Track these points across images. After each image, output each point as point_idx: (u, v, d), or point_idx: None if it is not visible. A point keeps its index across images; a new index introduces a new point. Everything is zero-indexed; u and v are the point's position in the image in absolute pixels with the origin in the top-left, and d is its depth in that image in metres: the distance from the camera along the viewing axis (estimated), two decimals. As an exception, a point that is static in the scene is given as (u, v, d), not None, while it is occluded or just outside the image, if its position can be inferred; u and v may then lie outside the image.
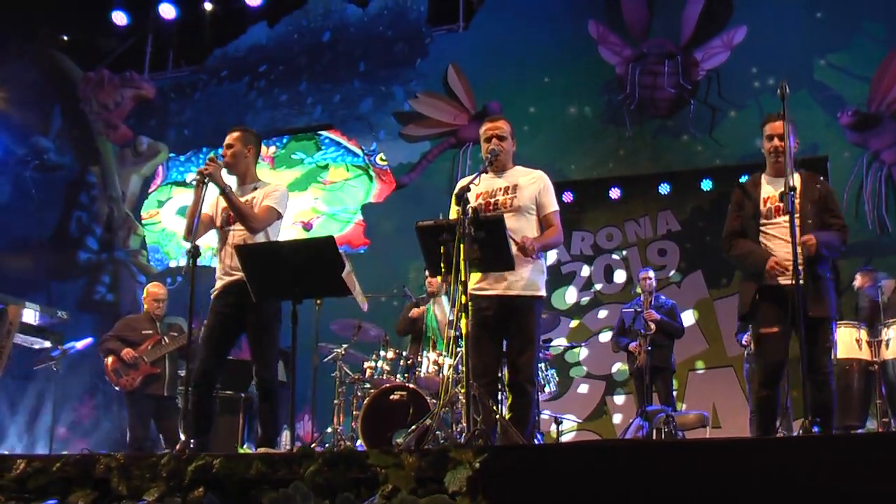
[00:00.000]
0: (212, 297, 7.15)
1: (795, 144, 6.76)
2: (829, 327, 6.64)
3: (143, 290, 10.90)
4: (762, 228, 6.68)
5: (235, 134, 7.41)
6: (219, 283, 7.15)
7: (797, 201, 6.50)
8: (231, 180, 7.32)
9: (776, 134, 6.68)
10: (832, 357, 8.55)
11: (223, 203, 7.17)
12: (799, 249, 6.21)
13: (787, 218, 6.38)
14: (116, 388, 10.28)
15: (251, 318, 7.00)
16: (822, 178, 6.80)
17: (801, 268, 6.14)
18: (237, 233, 7.10)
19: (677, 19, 14.12)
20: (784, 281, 6.40)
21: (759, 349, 6.77)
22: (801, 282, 6.14)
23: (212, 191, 7.06)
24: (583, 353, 13.65)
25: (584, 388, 13.67)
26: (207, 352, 7.06)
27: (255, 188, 7.31)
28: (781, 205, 6.55)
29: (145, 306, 10.56)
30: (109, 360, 10.05)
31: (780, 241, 6.53)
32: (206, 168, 6.96)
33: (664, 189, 13.92)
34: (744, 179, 7.25)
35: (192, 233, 6.98)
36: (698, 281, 13.50)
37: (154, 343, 10.12)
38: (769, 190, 6.72)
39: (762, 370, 6.72)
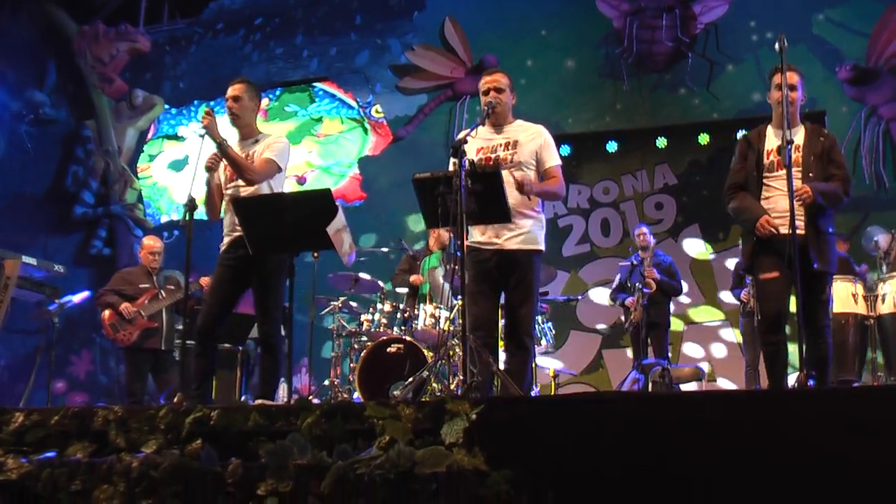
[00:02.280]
0: (220, 250, 7.12)
1: (803, 97, 6.76)
2: (827, 281, 6.65)
3: (140, 244, 10.88)
4: (764, 181, 6.66)
5: (241, 85, 7.30)
6: (226, 239, 7.11)
7: (799, 155, 6.51)
8: (233, 133, 7.28)
9: (789, 83, 6.64)
10: (829, 311, 8.62)
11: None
12: (796, 202, 6.22)
13: (793, 170, 6.39)
14: (116, 342, 10.27)
15: (258, 273, 6.97)
16: (826, 130, 6.77)
17: (799, 221, 6.16)
18: (242, 188, 7.05)
19: (676, -28, 14.05)
20: (785, 231, 6.39)
21: (761, 296, 6.78)
22: (802, 233, 6.18)
23: (209, 145, 7.04)
24: (579, 306, 13.67)
25: (580, 341, 13.70)
26: (213, 303, 7.04)
27: (257, 141, 7.24)
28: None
29: (141, 260, 10.53)
30: (106, 314, 10.03)
31: (781, 193, 6.51)
32: (202, 121, 6.94)
33: (661, 143, 13.88)
34: (744, 132, 7.24)
35: (213, 210, 7.17)
36: (695, 234, 13.50)
37: (151, 297, 10.10)
38: (774, 142, 6.69)
39: (764, 317, 6.70)
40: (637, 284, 10.45)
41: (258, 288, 7.04)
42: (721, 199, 6.99)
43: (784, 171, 6.45)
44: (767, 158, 6.67)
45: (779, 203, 6.51)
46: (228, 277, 7.03)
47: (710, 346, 13.08)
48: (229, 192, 7.06)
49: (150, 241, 10.58)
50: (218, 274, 7.09)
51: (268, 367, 7.08)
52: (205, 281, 9.68)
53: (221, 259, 7.08)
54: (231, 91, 7.25)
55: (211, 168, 7.05)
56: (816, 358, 6.37)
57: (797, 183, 6.41)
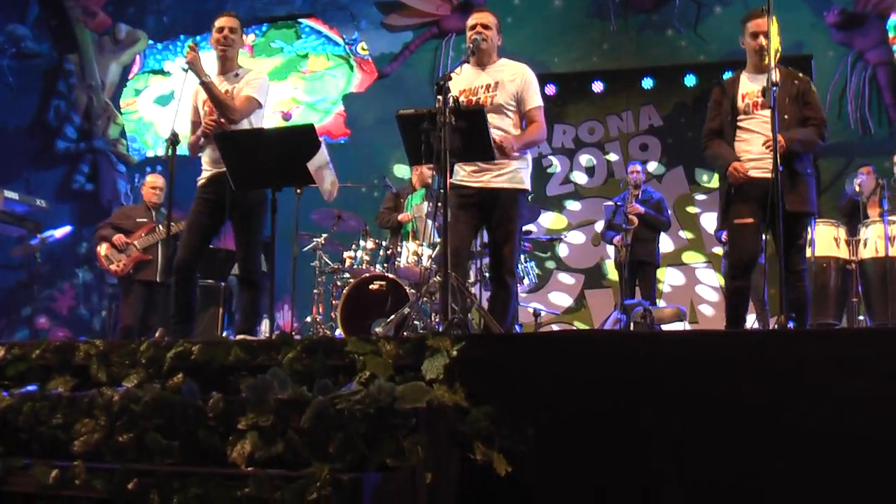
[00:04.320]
0: (198, 185, 7.12)
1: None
2: (805, 223, 6.70)
3: (146, 181, 10.82)
4: (739, 124, 6.74)
5: (234, 19, 7.33)
6: (205, 174, 7.13)
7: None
8: (213, 66, 7.27)
9: (760, 31, 6.70)
10: (811, 255, 8.66)
11: (204, 95, 7.11)
12: (767, 148, 6.28)
13: (765, 113, 6.48)
14: (110, 273, 10.29)
15: (237, 208, 6.98)
16: (801, 73, 6.79)
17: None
18: (223, 123, 7.03)
19: (666, -89, 13.94)
20: (760, 174, 6.44)
21: (732, 240, 6.88)
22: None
23: (193, 79, 7.02)
24: (562, 246, 13.71)
25: (562, 281, 13.74)
26: (191, 238, 7.04)
27: (237, 76, 7.25)
28: (760, 100, 6.63)
29: (143, 195, 10.52)
30: (103, 246, 10.05)
31: (757, 135, 6.61)
32: (187, 57, 6.92)
33: (647, 84, 13.85)
34: (727, 76, 7.27)
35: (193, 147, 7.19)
36: (679, 176, 13.52)
37: (148, 230, 10.10)
38: (748, 86, 6.78)
39: (733, 261, 6.84)
40: (622, 224, 10.45)
41: (238, 223, 7.07)
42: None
43: (760, 113, 6.61)
44: (742, 101, 6.75)
45: (754, 146, 6.58)
46: (207, 212, 7.04)
47: (694, 287, 13.14)
48: (210, 127, 7.04)
49: (153, 178, 10.58)
50: (196, 209, 7.09)
51: (248, 301, 7.11)
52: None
53: (200, 193, 7.09)
54: (227, 22, 7.25)
55: (189, 64, 6.93)
56: (794, 300, 6.41)
57: (766, 129, 6.46)
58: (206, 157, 7.12)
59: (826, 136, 6.74)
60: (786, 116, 6.48)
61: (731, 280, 6.79)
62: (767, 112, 6.45)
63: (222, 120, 6.97)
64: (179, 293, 7.03)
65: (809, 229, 7.23)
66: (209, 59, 7.18)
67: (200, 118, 7.18)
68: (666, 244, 12.55)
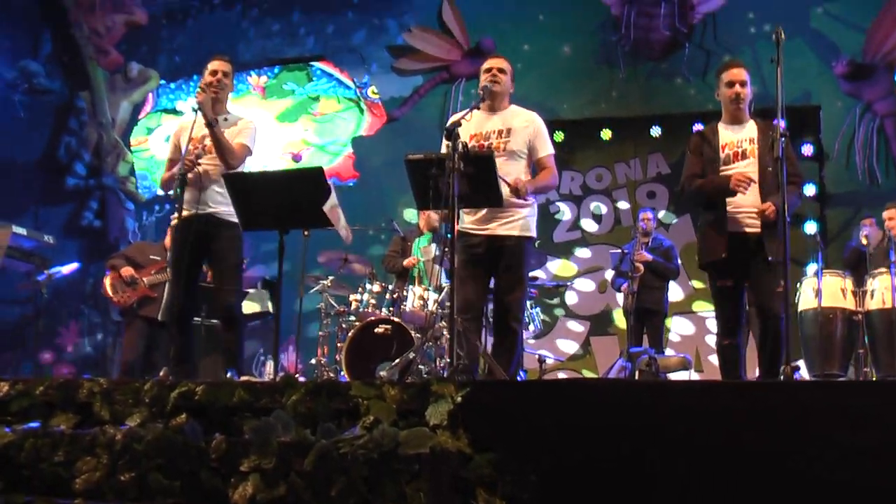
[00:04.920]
0: (171, 225, 7.09)
1: (751, 93, 6.87)
2: (781, 271, 6.73)
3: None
4: (721, 173, 6.73)
5: (226, 63, 7.45)
6: (184, 213, 7.08)
7: (755, 147, 6.64)
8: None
9: (738, 80, 6.80)
10: (818, 305, 8.66)
11: (196, 133, 7.16)
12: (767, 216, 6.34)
13: (745, 163, 6.66)
14: (112, 303, 10.30)
15: (213, 246, 7.06)
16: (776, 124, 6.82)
17: (754, 219, 6.38)
18: (207, 165, 7.08)
19: (675, -39, 14.02)
20: (743, 230, 6.50)
21: (717, 302, 6.91)
22: (757, 231, 6.34)
23: (200, 120, 7.07)
24: (569, 293, 13.70)
25: (568, 328, 13.71)
26: (177, 285, 7.07)
27: (226, 119, 7.33)
28: (740, 150, 6.73)
29: (167, 238, 10.54)
30: (109, 276, 10.08)
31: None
32: (197, 97, 6.97)
33: (655, 131, 13.88)
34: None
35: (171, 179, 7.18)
36: (687, 224, 13.51)
37: (158, 269, 10.12)
38: (727, 136, 6.84)
39: (720, 321, 6.84)
40: (629, 271, 10.43)
41: (215, 262, 7.19)
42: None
43: (741, 163, 6.70)
44: (723, 152, 6.78)
45: (735, 197, 6.58)
46: (187, 257, 7.02)
47: (699, 336, 13.10)
48: (197, 167, 7.06)
49: None
50: (174, 252, 7.11)
51: (231, 340, 7.18)
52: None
53: (176, 239, 7.06)
54: (220, 66, 7.37)
55: (199, 105, 7.03)
56: (767, 344, 6.43)
57: (754, 176, 6.56)
58: (187, 196, 7.12)
59: (803, 186, 6.83)
60: (769, 168, 6.49)
61: (720, 338, 6.82)
62: (746, 162, 6.65)
63: (199, 161, 7.01)
64: (176, 337, 7.06)
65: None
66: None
67: (180, 156, 7.18)
68: (676, 292, 12.53)
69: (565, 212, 14.11)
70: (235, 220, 6.99)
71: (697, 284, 13.21)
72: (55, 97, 16.65)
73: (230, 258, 7.14)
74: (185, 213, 7.08)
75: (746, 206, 6.57)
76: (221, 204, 6.97)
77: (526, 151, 6.73)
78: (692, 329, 13.21)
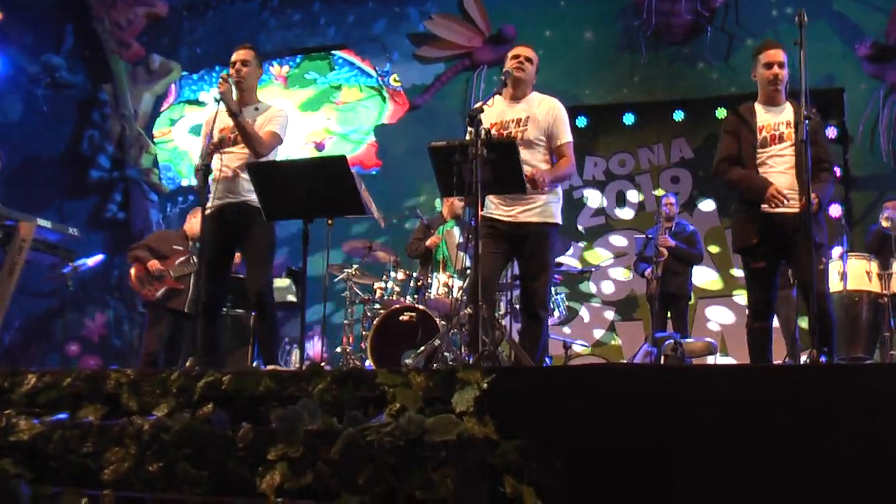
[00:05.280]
0: (206, 213, 7.07)
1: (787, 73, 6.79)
2: (824, 253, 6.69)
3: (193, 209, 10.82)
4: (759, 157, 6.66)
5: (250, 52, 7.42)
6: (215, 203, 7.15)
7: (791, 131, 6.54)
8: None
9: (776, 62, 6.70)
10: (843, 288, 8.64)
11: (222, 123, 7.21)
12: (792, 201, 6.30)
13: (782, 146, 6.57)
14: (140, 297, 10.32)
15: (246, 234, 7.07)
16: (813, 109, 6.73)
17: (794, 198, 6.28)
18: (237, 154, 7.09)
19: (696, -56, 13.96)
20: (779, 210, 6.42)
21: (749, 284, 6.84)
22: (797, 211, 6.25)
23: (222, 110, 7.10)
24: (594, 277, 13.68)
25: (594, 313, 13.70)
26: (209, 275, 7.08)
27: (257, 109, 7.33)
28: (777, 133, 6.64)
29: (187, 226, 10.55)
30: (134, 268, 10.12)
31: (773, 170, 6.56)
32: (219, 88, 6.97)
33: (678, 116, 13.84)
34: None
35: (205, 154, 7.07)
36: (710, 209, 13.47)
37: (182, 260, 10.15)
38: (765, 118, 6.73)
39: (752, 305, 6.77)
40: (653, 256, 10.40)
41: (247, 249, 7.17)
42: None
43: (777, 147, 6.61)
44: (760, 134, 6.68)
45: (776, 180, 6.52)
46: (217, 244, 7.09)
47: (725, 320, 13.06)
48: (225, 157, 7.08)
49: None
50: (206, 246, 7.10)
51: (265, 331, 7.16)
52: None
53: (209, 229, 7.05)
54: (239, 55, 7.35)
55: (220, 95, 7.04)
56: (822, 330, 6.37)
57: (790, 160, 6.52)
58: (217, 186, 7.17)
59: (835, 177, 6.79)
60: (801, 152, 6.44)
61: (751, 322, 6.75)
62: (784, 146, 6.55)
63: (225, 151, 7.09)
64: (205, 328, 7.08)
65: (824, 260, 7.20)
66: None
67: (215, 143, 7.23)
68: (697, 276, 12.51)
69: (589, 197, 14.08)
70: None
71: (720, 269, 13.18)
72: (78, 91, 16.71)
73: (262, 245, 7.13)
74: (216, 202, 7.13)
75: (783, 189, 6.49)
76: (252, 192, 6.89)
77: (543, 139, 6.72)
78: (717, 313, 13.17)
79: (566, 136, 6.78)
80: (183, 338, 10.26)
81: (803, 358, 7.31)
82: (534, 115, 6.72)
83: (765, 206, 6.47)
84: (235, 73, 7.27)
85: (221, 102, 6.97)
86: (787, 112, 6.68)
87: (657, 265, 10.22)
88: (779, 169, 6.50)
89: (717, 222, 13.38)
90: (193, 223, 10.38)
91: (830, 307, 6.63)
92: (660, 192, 13.49)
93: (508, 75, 6.67)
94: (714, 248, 13.21)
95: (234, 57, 7.37)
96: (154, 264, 10.03)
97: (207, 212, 7.06)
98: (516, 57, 6.80)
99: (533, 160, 6.59)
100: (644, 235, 10.99)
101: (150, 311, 10.36)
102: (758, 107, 6.82)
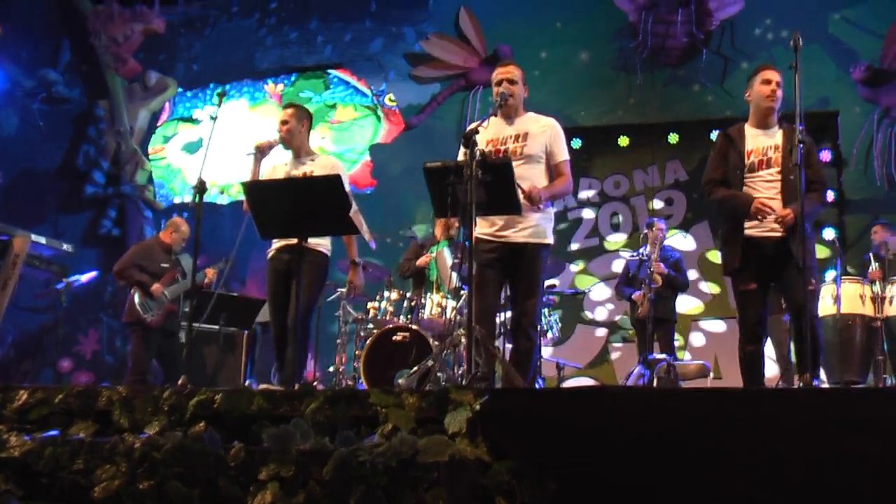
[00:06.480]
0: (268, 258, 7.55)
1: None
2: (812, 275, 6.69)
3: (168, 222, 10.82)
4: (746, 181, 6.66)
5: (290, 111, 7.84)
6: (275, 245, 7.58)
7: (778, 155, 6.55)
8: (286, 154, 7.82)
9: (774, 80, 6.70)
10: (837, 311, 8.64)
11: (280, 173, 7.62)
12: (775, 223, 6.30)
13: (769, 171, 6.56)
14: (133, 322, 10.25)
15: (301, 271, 7.18)
16: (802, 129, 6.72)
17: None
18: None
19: (692, -33, 14.02)
20: (765, 234, 6.43)
21: (739, 306, 6.82)
22: (782, 234, 6.29)
23: (267, 160, 7.62)
24: (586, 299, 13.68)
25: (586, 335, 13.70)
26: (276, 313, 7.49)
27: (312, 159, 7.70)
28: (766, 157, 6.64)
29: (167, 238, 10.47)
30: (137, 294, 10.02)
31: (760, 194, 6.55)
32: (260, 143, 7.57)
33: (673, 138, 13.91)
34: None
35: None
36: (704, 231, 13.49)
37: (171, 278, 10.10)
38: (754, 142, 6.73)
39: (743, 327, 6.76)
40: (645, 279, 10.40)
41: (298, 285, 7.32)
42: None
43: (765, 172, 6.63)
44: (748, 159, 6.68)
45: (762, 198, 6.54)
46: (281, 282, 7.48)
47: (718, 342, 13.05)
48: None
49: (185, 226, 10.51)
50: (270, 283, 7.57)
51: (295, 355, 7.29)
52: (210, 272, 9.82)
53: (271, 267, 7.56)
54: (282, 115, 7.84)
55: (261, 150, 7.57)
56: (806, 346, 6.36)
57: (777, 185, 6.54)
58: None
59: (826, 197, 6.78)
60: (791, 177, 6.42)
61: (743, 344, 6.74)
62: (772, 171, 6.57)
63: None
64: (282, 357, 7.48)
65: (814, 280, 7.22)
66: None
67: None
68: (690, 298, 12.52)
69: (583, 219, 14.10)
70: (325, 250, 7.64)
71: (713, 290, 13.19)
72: (74, 106, 16.72)
73: (308, 277, 7.32)
74: (275, 244, 7.59)
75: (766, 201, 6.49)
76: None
77: (543, 156, 6.72)
78: (710, 335, 13.17)
79: (564, 154, 6.79)
80: (171, 351, 10.23)
81: (796, 381, 7.31)
82: (531, 133, 6.72)
83: (750, 225, 6.50)
84: (283, 134, 7.74)
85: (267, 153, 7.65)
86: (776, 136, 6.68)
87: (650, 290, 10.21)
88: (767, 194, 6.51)
89: (711, 244, 13.40)
90: (175, 238, 10.36)
91: (818, 329, 6.63)
92: (651, 206, 13.55)
93: (503, 98, 6.67)
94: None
95: (279, 117, 7.89)
96: (158, 288, 9.97)
97: (269, 254, 7.56)
98: (499, 83, 6.79)
99: (532, 176, 6.59)
100: (637, 257, 10.96)
101: (139, 331, 10.19)
102: (748, 129, 6.82)
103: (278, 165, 7.75)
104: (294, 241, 6.99)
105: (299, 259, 6.93)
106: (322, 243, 7.58)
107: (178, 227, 10.51)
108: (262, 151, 7.57)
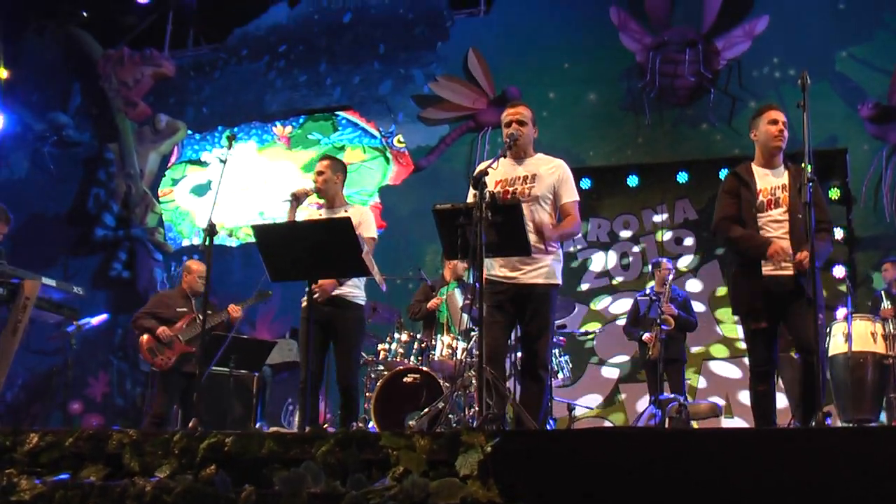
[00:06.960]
0: (302, 305, 7.44)
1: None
2: (819, 311, 6.66)
3: (183, 266, 10.83)
4: (758, 220, 6.65)
5: (326, 162, 8.02)
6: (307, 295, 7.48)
7: (786, 195, 6.55)
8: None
9: (781, 120, 6.70)
10: (848, 350, 8.60)
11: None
12: (789, 264, 6.31)
13: (778, 211, 6.55)
14: (152, 367, 10.23)
15: (339, 327, 7.52)
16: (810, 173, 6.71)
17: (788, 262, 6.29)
18: None
19: (699, 7, 14.06)
20: (775, 272, 6.42)
21: (750, 344, 6.79)
22: (792, 273, 6.27)
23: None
24: (597, 340, 13.65)
25: (597, 376, 13.65)
26: (310, 355, 7.37)
27: (346, 209, 7.79)
28: (774, 197, 6.64)
29: (183, 283, 10.47)
30: (144, 338, 9.99)
31: (771, 234, 6.55)
32: (298, 190, 7.70)
33: (682, 178, 13.91)
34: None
35: None
36: (714, 270, 13.46)
37: (189, 321, 10.07)
38: (763, 182, 6.72)
39: (754, 366, 6.71)
40: (656, 319, 10.36)
41: (338, 342, 7.64)
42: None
43: (775, 212, 6.62)
44: (758, 198, 6.67)
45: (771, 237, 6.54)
46: (319, 331, 7.48)
47: (730, 382, 13.00)
48: None
49: (198, 266, 10.46)
50: (304, 333, 7.47)
51: (343, 405, 7.66)
52: (233, 309, 9.80)
53: (304, 316, 7.46)
54: (318, 166, 8.03)
55: (297, 198, 7.71)
56: (809, 385, 6.31)
57: (786, 225, 6.54)
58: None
59: (833, 236, 6.78)
60: (799, 216, 6.40)
61: (754, 384, 6.71)
62: (780, 210, 6.57)
63: None
64: (309, 405, 7.46)
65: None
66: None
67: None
68: (701, 338, 12.48)
69: (593, 259, 14.09)
70: (360, 301, 7.75)
71: (724, 330, 13.16)
72: (84, 149, 16.81)
73: (352, 339, 7.61)
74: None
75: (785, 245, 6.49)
76: (346, 286, 7.61)
77: (551, 197, 6.72)
78: (722, 375, 13.13)
79: (573, 195, 6.79)
80: (193, 392, 10.20)
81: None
82: (540, 174, 6.73)
83: (766, 266, 6.48)
84: (320, 184, 7.93)
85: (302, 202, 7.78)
86: (783, 176, 6.69)
87: (661, 330, 10.18)
88: (776, 234, 6.50)
89: (721, 283, 13.37)
90: (190, 280, 10.34)
91: (824, 366, 6.60)
92: (661, 245, 13.55)
93: (512, 139, 6.68)
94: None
95: (316, 167, 8.09)
96: (164, 331, 9.92)
97: (303, 303, 7.37)
98: (508, 125, 6.81)
99: (540, 217, 6.59)
100: (647, 297, 10.92)
101: (161, 377, 10.18)
102: (755, 168, 6.81)
103: (313, 213, 7.98)
104: (335, 292, 7.38)
105: (341, 314, 7.35)
106: (359, 295, 7.73)
107: (190, 269, 10.47)
108: (298, 199, 7.65)
